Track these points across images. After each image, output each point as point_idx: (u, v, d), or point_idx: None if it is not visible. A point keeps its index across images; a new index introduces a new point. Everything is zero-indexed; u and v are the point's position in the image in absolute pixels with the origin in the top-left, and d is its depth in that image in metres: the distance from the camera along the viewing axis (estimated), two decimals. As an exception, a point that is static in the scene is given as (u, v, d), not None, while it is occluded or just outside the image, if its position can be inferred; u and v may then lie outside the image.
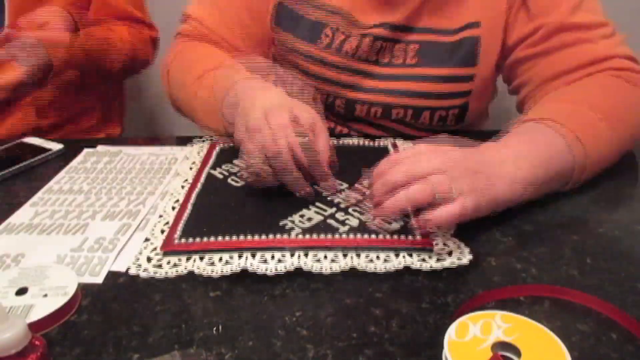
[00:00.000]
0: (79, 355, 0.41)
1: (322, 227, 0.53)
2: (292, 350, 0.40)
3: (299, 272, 0.48)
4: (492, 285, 0.47)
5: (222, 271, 0.48)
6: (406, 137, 0.76)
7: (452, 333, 0.38)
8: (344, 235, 0.52)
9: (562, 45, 0.69)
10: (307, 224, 0.54)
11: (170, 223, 0.55)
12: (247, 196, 0.60)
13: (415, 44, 0.73)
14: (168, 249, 0.51)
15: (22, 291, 0.45)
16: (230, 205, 0.58)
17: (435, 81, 0.73)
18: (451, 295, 0.45)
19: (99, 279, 0.48)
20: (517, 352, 0.37)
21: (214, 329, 0.42)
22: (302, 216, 0.55)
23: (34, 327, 0.40)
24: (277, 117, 0.56)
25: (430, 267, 0.48)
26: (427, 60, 0.73)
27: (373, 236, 0.51)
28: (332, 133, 0.81)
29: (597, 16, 0.70)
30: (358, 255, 0.50)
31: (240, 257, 0.50)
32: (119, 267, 0.50)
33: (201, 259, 0.50)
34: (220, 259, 0.50)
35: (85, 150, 0.75)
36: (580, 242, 0.52)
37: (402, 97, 0.74)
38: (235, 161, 0.66)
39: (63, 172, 0.69)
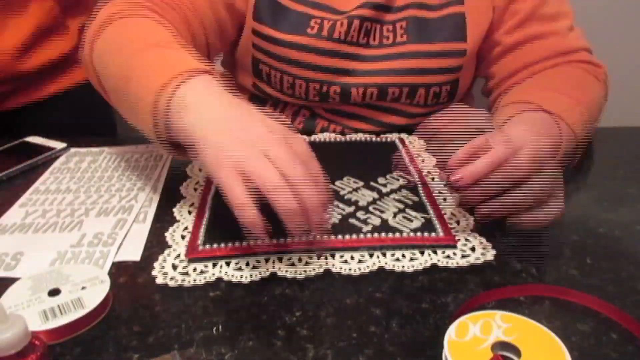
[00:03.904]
0: (79, 355, 0.41)
1: (345, 227, 0.53)
2: (292, 350, 0.40)
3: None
4: (492, 285, 0.47)
5: (250, 276, 0.47)
6: (397, 128, 0.77)
7: (452, 333, 0.38)
8: (368, 235, 0.52)
9: (530, 38, 0.73)
10: (329, 225, 0.54)
11: (190, 228, 0.54)
12: None
13: (402, 21, 0.75)
14: (193, 255, 0.50)
15: (55, 292, 0.45)
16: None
17: (428, 57, 0.74)
18: (451, 295, 0.45)
19: (104, 272, 0.49)
20: (517, 352, 0.37)
21: (214, 329, 0.42)
22: None
23: (95, 312, 0.43)
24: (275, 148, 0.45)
25: (457, 263, 0.49)
26: (417, 36, 0.74)
27: (397, 234, 0.52)
28: (325, 130, 0.81)
29: (563, 5, 0.75)
30: (384, 255, 0.50)
31: (267, 260, 0.49)
32: (123, 258, 0.51)
33: (227, 264, 0.49)
34: (248, 264, 0.49)
35: (67, 151, 0.75)
36: (580, 242, 0.52)
37: (397, 76, 0.75)
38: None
39: (47, 173, 0.69)
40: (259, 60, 0.78)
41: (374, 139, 0.73)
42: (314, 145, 0.61)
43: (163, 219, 0.58)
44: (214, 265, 0.49)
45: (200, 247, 0.51)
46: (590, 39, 0.79)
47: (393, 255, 0.50)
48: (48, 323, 0.42)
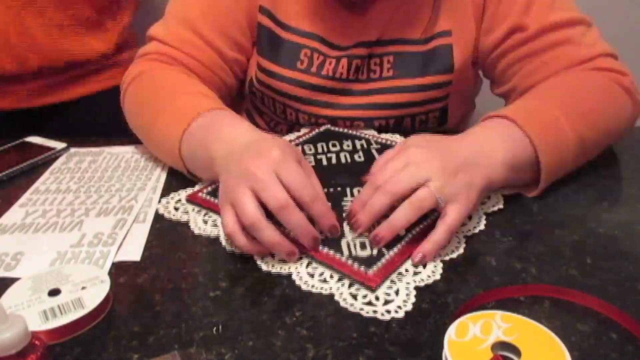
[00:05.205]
0: (79, 355, 0.41)
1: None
2: (292, 350, 0.40)
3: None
4: (492, 285, 0.47)
5: (233, 246, 0.51)
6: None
7: (452, 333, 0.38)
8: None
9: (545, 47, 0.69)
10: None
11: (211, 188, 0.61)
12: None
13: (389, 56, 0.74)
14: (192, 198, 0.59)
15: (55, 292, 0.45)
16: None
17: (414, 91, 0.74)
18: (451, 295, 0.45)
19: (104, 272, 0.49)
20: (517, 352, 0.37)
21: (214, 329, 0.42)
22: None
23: (95, 312, 0.43)
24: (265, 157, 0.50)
25: (355, 308, 0.44)
26: (403, 71, 0.73)
27: (335, 254, 0.49)
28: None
29: (573, 12, 0.70)
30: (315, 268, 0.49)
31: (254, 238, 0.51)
32: (123, 258, 0.51)
33: (213, 222, 0.56)
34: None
35: (67, 152, 0.75)
36: (580, 242, 0.52)
37: (382, 110, 0.76)
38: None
39: (47, 173, 0.69)
40: (257, 88, 0.81)
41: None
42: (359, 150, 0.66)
43: (163, 219, 0.58)
44: (204, 220, 0.56)
45: (201, 195, 0.59)
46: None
47: (321, 274, 0.48)
48: (48, 323, 0.42)
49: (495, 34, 0.72)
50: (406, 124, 0.77)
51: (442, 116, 0.78)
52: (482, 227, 0.54)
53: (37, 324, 0.41)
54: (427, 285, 0.46)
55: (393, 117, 0.76)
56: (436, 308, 0.44)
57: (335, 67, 0.74)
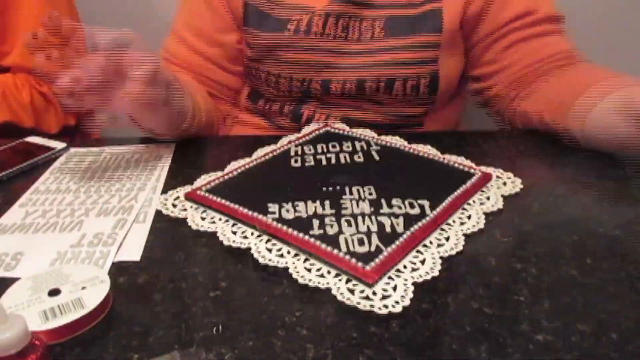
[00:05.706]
0: (79, 355, 0.41)
1: (296, 223, 0.53)
2: (292, 350, 0.40)
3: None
4: (492, 285, 0.47)
5: (233, 242, 0.52)
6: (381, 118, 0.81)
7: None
8: (311, 239, 0.50)
9: (545, 33, 0.78)
10: (292, 215, 0.54)
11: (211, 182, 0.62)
12: (298, 179, 0.57)
13: (380, 18, 0.78)
14: (190, 195, 0.59)
15: (55, 292, 0.45)
16: (274, 184, 0.61)
17: (403, 50, 0.77)
18: (451, 295, 0.45)
19: (104, 272, 0.49)
20: None
21: (214, 329, 0.43)
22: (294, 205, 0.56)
23: (95, 312, 0.43)
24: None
25: (352, 302, 0.44)
26: (394, 31, 0.78)
27: (329, 248, 0.49)
28: (311, 119, 0.85)
29: (555, 8, 0.80)
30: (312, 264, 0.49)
31: (246, 236, 0.52)
32: (123, 258, 0.51)
33: (216, 221, 0.55)
34: (234, 224, 0.54)
35: (67, 152, 0.75)
36: (580, 242, 0.52)
37: (373, 69, 0.79)
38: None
39: (47, 173, 0.69)
40: (247, 64, 0.87)
41: (451, 163, 0.64)
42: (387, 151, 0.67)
43: (163, 219, 0.58)
44: (203, 211, 0.57)
45: (199, 192, 0.59)
46: (591, 39, 0.80)
47: (319, 270, 0.48)
48: (48, 323, 0.42)
49: (508, 11, 0.77)
50: (397, 88, 0.79)
51: (433, 84, 0.80)
52: (481, 226, 0.54)
53: (37, 324, 0.41)
54: (427, 286, 0.46)
55: (384, 79, 0.78)
56: (436, 308, 0.44)
57: (324, 24, 0.78)
